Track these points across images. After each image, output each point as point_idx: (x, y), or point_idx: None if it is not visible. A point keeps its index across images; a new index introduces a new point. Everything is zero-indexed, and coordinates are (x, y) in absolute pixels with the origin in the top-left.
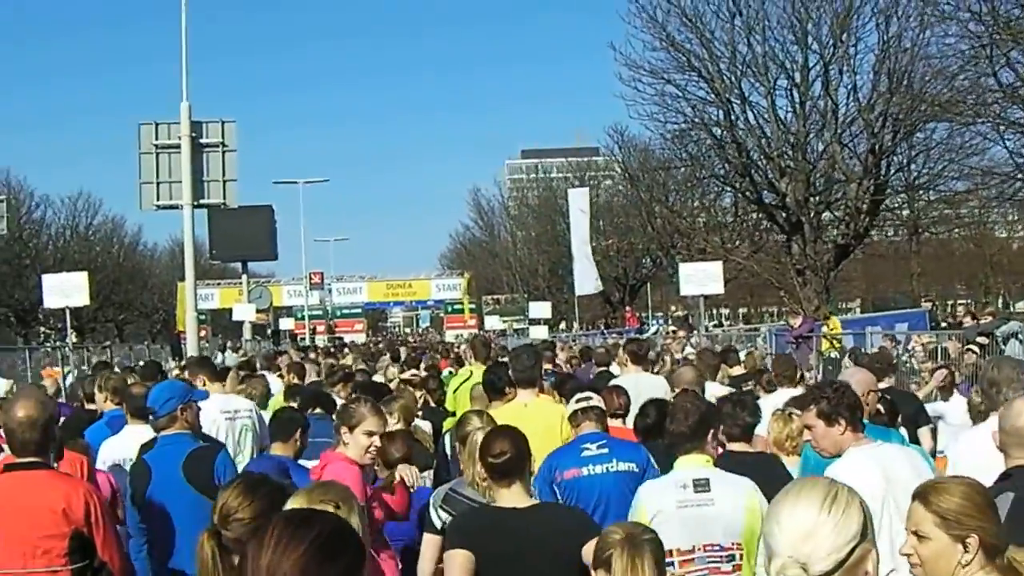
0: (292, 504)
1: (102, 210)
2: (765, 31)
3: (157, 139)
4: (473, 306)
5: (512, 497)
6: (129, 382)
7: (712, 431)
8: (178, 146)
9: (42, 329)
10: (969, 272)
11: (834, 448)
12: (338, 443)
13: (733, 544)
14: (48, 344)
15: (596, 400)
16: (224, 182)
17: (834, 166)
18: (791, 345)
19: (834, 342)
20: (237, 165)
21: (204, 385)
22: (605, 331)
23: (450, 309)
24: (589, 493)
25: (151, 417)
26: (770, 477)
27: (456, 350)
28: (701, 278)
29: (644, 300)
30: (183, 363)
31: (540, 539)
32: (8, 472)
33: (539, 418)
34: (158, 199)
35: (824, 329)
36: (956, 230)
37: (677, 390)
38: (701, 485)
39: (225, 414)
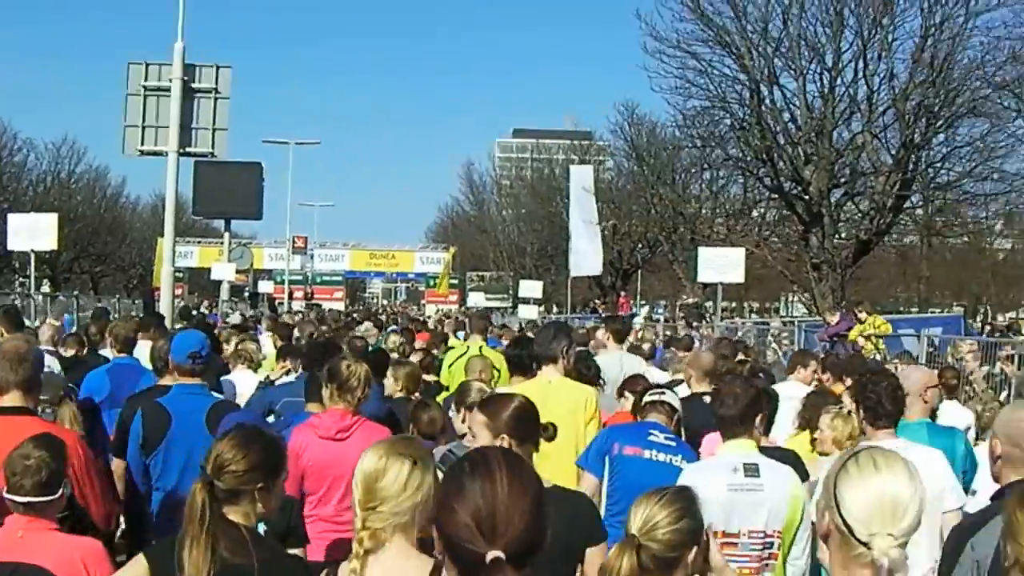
0: (368, 456)
1: (86, 158)
2: (803, 7)
3: (147, 80)
4: (455, 281)
5: None
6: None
7: (760, 416)
8: (168, 89)
9: (17, 278)
10: (962, 280)
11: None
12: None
13: (775, 532)
14: (18, 291)
15: (670, 397)
16: (214, 131)
17: (860, 157)
18: (824, 343)
19: (878, 343)
20: (229, 115)
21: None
22: (600, 315)
23: (432, 283)
24: (646, 476)
25: (194, 362)
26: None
27: (440, 326)
28: (721, 264)
29: (635, 286)
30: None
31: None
32: None
33: (564, 398)
34: (142, 144)
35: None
36: (963, 236)
37: (695, 374)
38: (751, 470)
39: None
